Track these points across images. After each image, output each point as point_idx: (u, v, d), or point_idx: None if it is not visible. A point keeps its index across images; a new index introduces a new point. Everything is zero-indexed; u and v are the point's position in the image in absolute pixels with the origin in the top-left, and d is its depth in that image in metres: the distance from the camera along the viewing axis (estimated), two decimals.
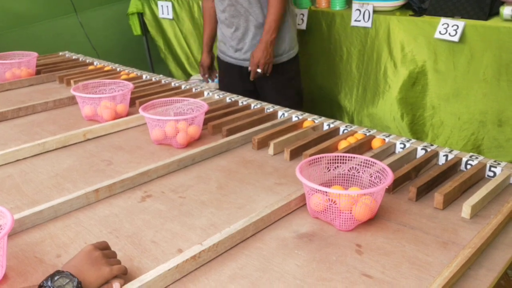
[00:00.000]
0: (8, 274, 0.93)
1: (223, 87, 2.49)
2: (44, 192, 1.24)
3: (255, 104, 1.84)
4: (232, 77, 2.45)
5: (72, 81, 2.13)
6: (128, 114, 1.77)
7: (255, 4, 2.23)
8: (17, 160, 1.43)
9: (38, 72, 2.32)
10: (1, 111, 1.77)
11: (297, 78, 2.46)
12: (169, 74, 3.61)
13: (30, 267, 0.95)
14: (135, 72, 2.30)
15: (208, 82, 2.67)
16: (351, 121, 2.79)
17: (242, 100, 1.89)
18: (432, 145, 1.42)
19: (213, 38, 2.56)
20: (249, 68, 2.27)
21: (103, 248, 0.91)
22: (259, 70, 2.24)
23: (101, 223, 1.10)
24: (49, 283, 0.77)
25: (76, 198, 1.15)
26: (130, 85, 1.82)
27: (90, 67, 2.40)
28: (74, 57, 2.64)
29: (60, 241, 1.03)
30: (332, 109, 2.88)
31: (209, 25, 2.52)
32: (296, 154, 1.44)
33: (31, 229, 1.08)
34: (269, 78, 2.32)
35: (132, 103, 1.85)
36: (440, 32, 2.31)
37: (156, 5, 3.58)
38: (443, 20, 2.31)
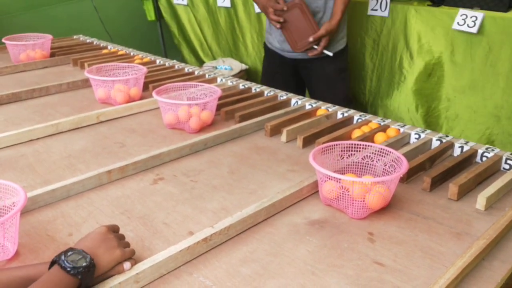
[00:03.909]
0: (19, 250, 0.94)
1: (267, 76, 2.42)
2: (57, 172, 1.24)
3: (268, 91, 1.83)
4: (277, 66, 2.37)
5: (86, 64, 2.14)
6: (141, 98, 1.77)
7: None
8: (31, 140, 1.43)
9: (52, 55, 2.33)
10: (15, 92, 1.78)
11: (346, 72, 2.33)
12: (183, 61, 3.59)
13: (42, 244, 0.96)
14: (148, 57, 2.30)
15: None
16: (365, 112, 2.76)
17: (256, 87, 1.88)
18: (447, 136, 1.41)
19: None
20: (310, 39, 2.10)
21: (115, 231, 0.91)
22: (315, 47, 2.11)
23: (113, 204, 1.10)
24: (62, 257, 0.76)
25: (89, 179, 1.15)
26: (144, 69, 1.81)
27: (104, 51, 2.40)
28: (88, 41, 2.65)
29: (72, 220, 1.04)
30: None
31: None
32: (309, 141, 1.43)
33: (43, 207, 1.08)
34: (315, 69, 2.23)
35: (146, 87, 1.85)
36: (458, 23, 2.27)
37: None
38: (462, 11, 2.27)
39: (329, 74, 2.25)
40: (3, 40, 2.21)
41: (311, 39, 2.09)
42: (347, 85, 2.36)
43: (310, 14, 2.12)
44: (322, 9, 2.16)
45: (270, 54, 2.40)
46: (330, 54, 2.13)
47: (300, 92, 2.17)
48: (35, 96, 1.82)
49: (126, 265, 0.83)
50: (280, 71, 2.35)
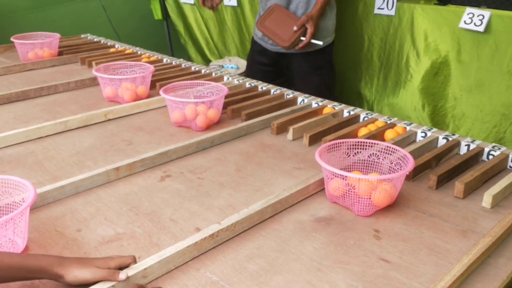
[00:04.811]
0: (29, 246, 0.95)
1: (249, 66, 2.51)
2: (65, 169, 1.26)
3: (274, 90, 1.84)
4: (258, 58, 2.44)
5: (93, 63, 2.15)
6: (148, 96, 1.78)
7: None
8: (40, 138, 1.45)
9: (60, 54, 2.35)
10: (24, 90, 1.80)
11: (327, 69, 2.36)
12: (189, 60, 3.61)
13: (51, 240, 0.97)
14: (155, 56, 2.31)
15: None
16: (371, 110, 2.76)
17: (262, 86, 1.89)
18: (453, 134, 1.41)
19: None
20: (295, 28, 2.11)
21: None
22: (302, 38, 2.12)
23: (121, 200, 1.11)
24: None
25: (97, 175, 1.16)
26: (151, 68, 1.82)
27: (112, 50, 2.42)
28: (96, 40, 2.67)
29: (80, 216, 1.05)
30: (352, 98, 2.86)
31: None
32: (315, 139, 1.44)
33: (52, 204, 1.10)
34: (295, 64, 2.29)
35: (153, 85, 1.86)
36: (465, 21, 2.27)
37: None
38: (469, 9, 2.27)
39: (306, 69, 2.29)
40: (11, 39, 2.23)
41: (295, 28, 2.10)
42: (325, 82, 2.36)
43: (288, 12, 2.17)
44: (305, 4, 2.19)
45: (255, 47, 2.46)
46: (320, 43, 2.14)
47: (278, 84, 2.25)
48: (44, 94, 1.84)
49: (122, 274, 0.80)
50: (261, 62, 2.42)
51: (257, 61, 2.44)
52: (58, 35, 2.35)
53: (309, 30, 2.09)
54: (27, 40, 2.28)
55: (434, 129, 1.44)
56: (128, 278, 0.81)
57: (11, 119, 1.60)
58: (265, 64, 2.41)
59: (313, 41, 2.12)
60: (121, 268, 0.83)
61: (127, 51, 2.38)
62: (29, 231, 0.96)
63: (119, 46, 2.50)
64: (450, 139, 1.38)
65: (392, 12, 2.52)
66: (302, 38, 2.14)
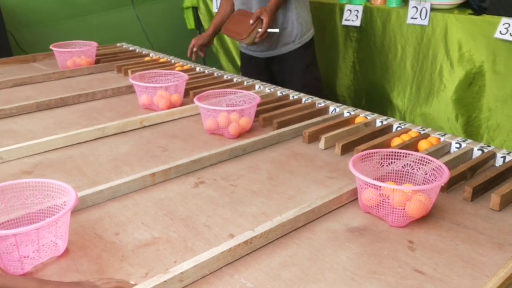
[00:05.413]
0: (69, 248, 0.98)
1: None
2: (103, 174, 1.29)
3: (306, 99, 1.85)
4: (251, 67, 2.50)
5: (129, 71, 2.20)
6: (182, 104, 1.82)
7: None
8: (78, 143, 1.49)
9: (97, 62, 2.41)
10: (63, 97, 1.86)
11: (314, 64, 2.45)
12: (220, 68, 3.64)
13: (90, 243, 1.00)
14: (188, 65, 2.35)
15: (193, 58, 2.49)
16: (403, 120, 2.73)
17: (293, 94, 1.90)
18: (489, 146, 1.39)
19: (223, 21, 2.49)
20: (251, 21, 2.17)
21: None
22: (259, 30, 2.17)
23: (157, 205, 1.14)
24: None
25: (134, 181, 1.19)
26: (185, 76, 1.86)
27: (146, 59, 2.47)
28: (131, 48, 2.73)
29: (118, 220, 1.08)
30: (384, 107, 2.84)
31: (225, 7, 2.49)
32: (347, 149, 1.44)
33: (91, 207, 1.13)
34: (286, 65, 2.36)
35: (186, 94, 1.90)
36: (500, 32, 2.23)
37: None
38: (504, 19, 2.23)
39: (297, 68, 2.36)
40: (51, 47, 2.31)
41: (251, 21, 2.17)
42: (317, 77, 2.45)
43: (246, 11, 2.27)
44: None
45: (244, 57, 2.54)
46: (276, 30, 2.22)
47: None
48: (82, 101, 1.89)
49: None
50: (254, 70, 2.46)
51: (249, 72, 2.46)
52: (95, 44, 2.42)
53: (264, 20, 2.16)
54: (65, 48, 2.35)
55: (469, 140, 1.43)
56: None
57: (51, 124, 1.65)
58: (256, 72, 2.42)
59: (270, 30, 2.19)
60: None
61: (161, 60, 2.43)
62: (69, 233, 0.99)
63: (153, 55, 2.56)
64: (486, 150, 1.36)
65: (426, 22, 2.50)
66: (260, 30, 2.19)
